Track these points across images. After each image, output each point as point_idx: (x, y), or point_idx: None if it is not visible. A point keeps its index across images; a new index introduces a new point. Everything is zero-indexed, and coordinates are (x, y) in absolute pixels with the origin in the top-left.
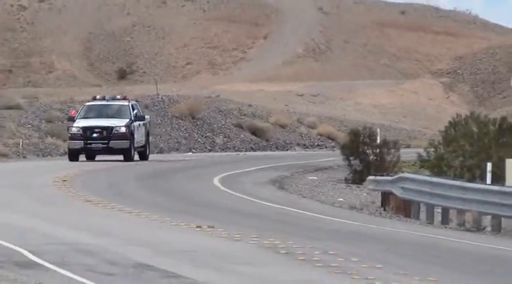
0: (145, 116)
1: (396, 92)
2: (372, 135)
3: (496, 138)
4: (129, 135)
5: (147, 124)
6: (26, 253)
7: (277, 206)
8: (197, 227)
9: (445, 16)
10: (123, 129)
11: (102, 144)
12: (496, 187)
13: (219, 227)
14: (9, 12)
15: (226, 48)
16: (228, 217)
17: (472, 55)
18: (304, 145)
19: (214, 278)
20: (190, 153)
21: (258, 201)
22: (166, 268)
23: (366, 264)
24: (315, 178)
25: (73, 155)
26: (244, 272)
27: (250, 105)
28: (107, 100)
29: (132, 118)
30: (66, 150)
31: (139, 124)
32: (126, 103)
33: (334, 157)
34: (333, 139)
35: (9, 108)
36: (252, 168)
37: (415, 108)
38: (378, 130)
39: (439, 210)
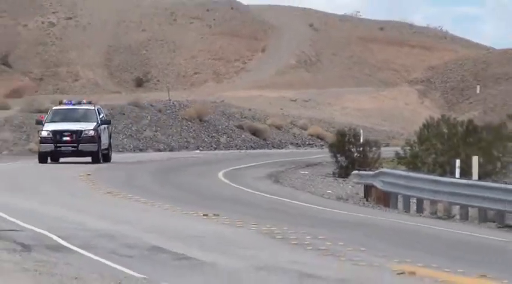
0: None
1: (377, 98)
2: (356, 135)
3: (463, 138)
4: (97, 138)
5: (110, 128)
6: (55, 237)
7: (273, 197)
8: (204, 215)
9: (419, 32)
10: (91, 133)
11: (72, 147)
12: (463, 181)
13: (223, 215)
14: (40, 29)
15: (229, 59)
16: (231, 207)
17: (443, 66)
18: (297, 144)
19: (219, 259)
20: (197, 151)
21: (257, 192)
22: (177, 251)
23: (351, 247)
24: (306, 172)
25: (43, 158)
26: (246, 255)
27: (250, 109)
28: (74, 105)
29: (99, 122)
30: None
31: (104, 128)
32: (92, 107)
33: (323, 154)
34: (322, 139)
35: (40, 111)
36: (252, 164)
37: (394, 112)
38: (361, 131)
39: (415, 201)
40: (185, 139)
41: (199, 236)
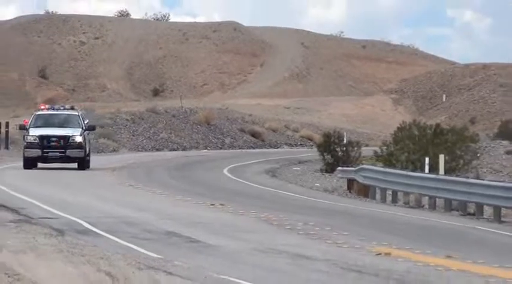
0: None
1: (358, 105)
2: (340, 137)
3: (431, 139)
4: (84, 144)
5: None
6: (84, 223)
7: (270, 189)
8: (211, 205)
9: (394, 49)
10: (79, 138)
11: (60, 152)
12: (431, 175)
13: (228, 205)
14: (72, 47)
15: (233, 73)
16: (234, 198)
17: (414, 78)
18: (290, 144)
19: (224, 242)
20: (206, 150)
21: (256, 185)
22: (188, 235)
23: (336, 232)
24: (298, 168)
25: (29, 163)
26: (247, 238)
27: (250, 115)
28: (57, 110)
29: (84, 128)
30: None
31: (87, 134)
32: (76, 112)
33: (312, 153)
34: (311, 140)
35: None
36: (252, 161)
37: (372, 117)
38: (345, 133)
39: (390, 192)
40: (195, 140)
41: (207, 223)
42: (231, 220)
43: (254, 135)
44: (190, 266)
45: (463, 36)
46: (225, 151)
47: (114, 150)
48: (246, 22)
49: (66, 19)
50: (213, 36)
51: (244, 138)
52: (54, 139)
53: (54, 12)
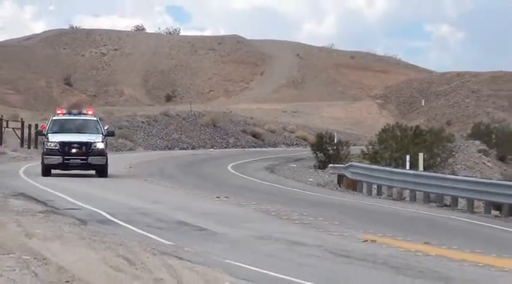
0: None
1: (347, 109)
2: (331, 137)
3: (412, 139)
4: (106, 151)
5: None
6: (104, 213)
7: (269, 184)
8: (217, 197)
9: (379, 59)
10: (101, 145)
11: (81, 159)
12: (412, 171)
13: (232, 197)
14: (94, 58)
15: (236, 80)
16: (237, 191)
17: (396, 85)
18: (287, 144)
19: (228, 230)
20: (212, 149)
21: (257, 180)
22: (197, 224)
23: (327, 222)
24: (294, 165)
25: (48, 171)
26: (248, 227)
27: (251, 118)
28: (74, 115)
29: (104, 134)
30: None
31: (107, 140)
32: (94, 118)
33: (306, 152)
34: (305, 140)
35: None
36: (253, 159)
37: (359, 119)
38: (335, 134)
39: (375, 186)
40: (203, 140)
41: (213, 213)
42: (234, 211)
43: (255, 135)
44: (198, 251)
45: (439, 48)
46: (229, 150)
47: (130, 149)
48: (248, 35)
49: (88, 33)
50: (219, 48)
51: (246, 138)
52: (75, 145)
53: (78, 27)
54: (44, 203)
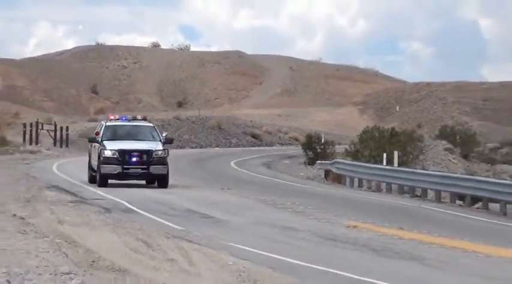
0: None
1: (333, 114)
2: (319, 138)
3: (388, 139)
4: (167, 159)
5: None
6: (126, 203)
7: (266, 177)
8: (221, 189)
9: (360, 71)
10: (162, 153)
11: (142, 169)
12: (388, 167)
13: (234, 189)
14: (117, 70)
15: (238, 89)
16: (238, 184)
17: (375, 93)
18: (281, 143)
19: (231, 218)
20: (217, 148)
21: (256, 174)
22: (204, 212)
23: (316, 210)
24: (287, 162)
25: (105, 181)
26: (248, 215)
27: (251, 121)
28: (129, 121)
29: (163, 141)
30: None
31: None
32: (150, 124)
33: (297, 150)
34: (297, 140)
35: None
36: (252, 156)
37: (343, 123)
38: (322, 135)
39: (357, 180)
40: (209, 141)
41: (218, 203)
42: (236, 201)
43: (254, 136)
44: (205, 235)
45: (411, 61)
46: (232, 149)
47: None
48: (248, 51)
49: (112, 49)
50: (223, 62)
51: (247, 138)
52: (136, 153)
53: (103, 43)
54: (73, 194)
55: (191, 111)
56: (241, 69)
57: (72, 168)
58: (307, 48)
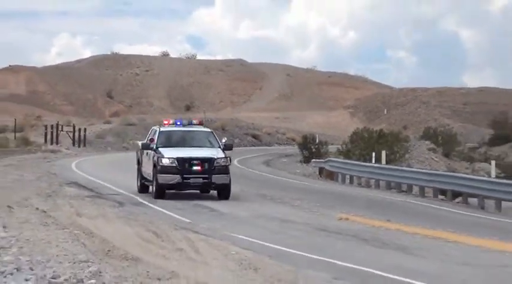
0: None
1: (326, 117)
2: (313, 138)
3: (376, 140)
4: (229, 168)
5: None
6: (137, 198)
7: (266, 174)
8: None
9: (351, 78)
10: (224, 161)
11: (203, 178)
12: (376, 165)
13: (236, 185)
14: (130, 76)
15: (240, 94)
16: (240, 180)
17: (365, 98)
18: (280, 143)
19: (233, 211)
20: None
21: (256, 171)
22: (208, 205)
23: (312, 204)
24: (285, 160)
25: (163, 192)
26: (248, 207)
27: (252, 123)
28: (184, 126)
29: (222, 148)
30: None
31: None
32: (208, 129)
33: (294, 150)
34: (294, 140)
35: (129, 124)
36: (253, 155)
37: (336, 125)
38: (317, 136)
39: (348, 176)
40: None
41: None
42: (238, 196)
43: (255, 137)
44: (210, 227)
45: (397, 69)
46: (235, 148)
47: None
48: (249, 59)
49: (125, 57)
50: (227, 69)
51: (248, 139)
52: (196, 162)
53: (117, 52)
54: (91, 189)
55: (197, 113)
56: (243, 75)
57: (89, 166)
58: (303, 56)
